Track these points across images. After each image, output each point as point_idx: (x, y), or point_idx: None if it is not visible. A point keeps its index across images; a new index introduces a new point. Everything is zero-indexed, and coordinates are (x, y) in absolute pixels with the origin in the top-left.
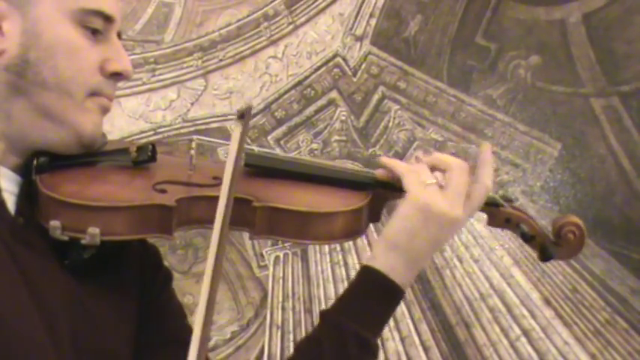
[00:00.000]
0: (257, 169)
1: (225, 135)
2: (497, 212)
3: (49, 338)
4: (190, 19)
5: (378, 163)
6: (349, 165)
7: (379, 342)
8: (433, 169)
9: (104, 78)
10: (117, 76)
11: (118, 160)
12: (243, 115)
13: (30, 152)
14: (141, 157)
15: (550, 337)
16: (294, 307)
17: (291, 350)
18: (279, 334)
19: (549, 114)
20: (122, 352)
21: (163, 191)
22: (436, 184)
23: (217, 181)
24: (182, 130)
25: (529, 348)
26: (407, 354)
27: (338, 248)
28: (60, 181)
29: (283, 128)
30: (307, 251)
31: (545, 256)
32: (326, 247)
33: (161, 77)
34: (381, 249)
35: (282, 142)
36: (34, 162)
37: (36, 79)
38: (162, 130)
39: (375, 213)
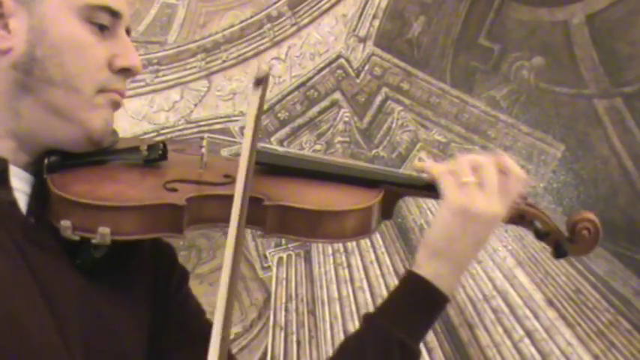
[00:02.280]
0: (268, 167)
1: (228, 135)
2: (511, 209)
3: (60, 338)
4: (194, 21)
5: (414, 167)
6: (359, 162)
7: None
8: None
9: (112, 74)
10: (125, 71)
11: (128, 158)
12: (260, 82)
13: (41, 150)
14: (152, 156)
15: (553, 338)
16: (297, 309)
17: (294, 351)
18: (283, 335)
19: (552, 115)
20: (133, 353)
21: (174, 190)
22: (474, 183)
23: (229, 179)
24: (185, 132)
25: (532, 349)
26: None
27: (341, 249)
28: (71, 181)
29: (286, 129)
30: (310, 252)
31: (559, 253)
32: (329, 249)
33: (164, 78)
34: (424, 256)
35: (285, 143)
36: (45, 161)
37: (43, 76)
38: (166, 131)
39: (387, 210)
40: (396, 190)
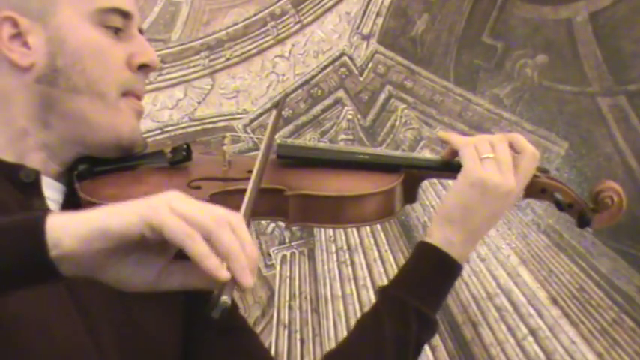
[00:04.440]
0: (289, 159)
1: (231, 132)
2: (532, 183)
3: (92, 342)
4: (197, 18)
5: (438, 136)
6: (381, 149)
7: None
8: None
9: (133, 73)
10: (145, 68)
11: (154, 162)
12: (277, 105)
13: (71, 160)
14: (176, 158)
15: (557, 336)
16: (300, 306)
17: (298, 349)
18: (286, 333)
19: (556, 113)
20: (168, 353)
21: (198, 188)
22: (493, 158)
23: (252, 174)
24: (189, 130)
25: (536, 347)
26: None
27: (345, 247)
28: (99, 187)
29: (290, 127)
30: (314, 250)
31: (582, 222)
32: (333, 246)
33: (168, 76)
34: (436, 224)
35: (288, 141)
36: (75, 172)
37: (67, 85)
38: (169, 129)
39: (410, 194)
40: (416, 173)
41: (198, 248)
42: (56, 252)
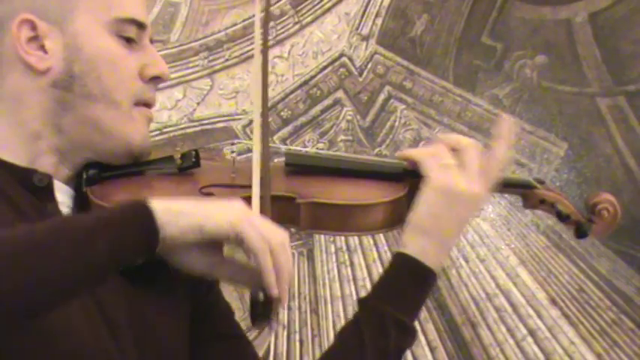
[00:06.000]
0: (297, 167)
1: (232, 134)
2: (531, 194)
3: (114, 344)
4: (196, 19)
5: (397, 157)
6: (387, 159)
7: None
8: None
9: (144, 84)
10: (156, 79)
11: (163, 167)
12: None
13: (80, 164)
14: (185, 164)
15: (556, 337)
16: (300, 307)
17: (297, 350)
18: (286, 334)
19: (555, 114)
20: (181, 353)
21: (210, 194)
22: (454, 164)
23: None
24: (188, 130)
25: (535, 348)
26: (413, 354)
27: (344, 248)
28: (109, 192)
29: (289, 128)
30: (313, 251)
31: (580, 233)
32: (332, 247)
33: None
34: (409, 235)
35: (288, 141)
36: (84, 175)
37: (82, 91)
38: (168, 130)
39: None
40: (421, 183)
41: (267, 263)
42: (161, 234)
